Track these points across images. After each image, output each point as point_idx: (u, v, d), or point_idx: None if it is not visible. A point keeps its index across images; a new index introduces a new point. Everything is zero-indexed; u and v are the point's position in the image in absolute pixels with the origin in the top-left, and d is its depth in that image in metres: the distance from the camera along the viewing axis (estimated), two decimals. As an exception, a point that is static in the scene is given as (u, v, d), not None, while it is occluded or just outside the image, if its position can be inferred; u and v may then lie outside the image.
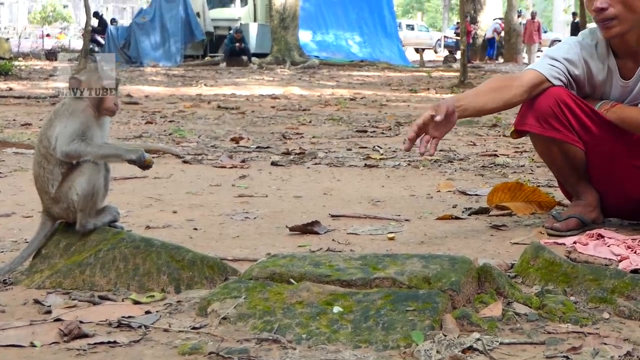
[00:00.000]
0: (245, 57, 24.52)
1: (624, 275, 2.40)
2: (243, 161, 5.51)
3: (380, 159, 5.73)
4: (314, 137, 7.30)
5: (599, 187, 3.46)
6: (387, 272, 2.26)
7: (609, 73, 3.36)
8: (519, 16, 31.62)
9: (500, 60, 31.02)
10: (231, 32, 25.24)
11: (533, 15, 31.39)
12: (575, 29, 24.03)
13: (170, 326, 2.12)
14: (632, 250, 2.99)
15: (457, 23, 32.33)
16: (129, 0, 53.19)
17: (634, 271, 2.67)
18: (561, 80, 3.32)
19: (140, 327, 2.11)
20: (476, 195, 4.22)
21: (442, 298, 2.13)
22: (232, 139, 6.90)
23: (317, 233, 3.29)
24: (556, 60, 3.33)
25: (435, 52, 41.32)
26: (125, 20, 40.89)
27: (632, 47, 3.30)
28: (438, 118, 3.01)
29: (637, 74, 3.32)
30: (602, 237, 3.17)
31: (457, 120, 3.14)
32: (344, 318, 2.06)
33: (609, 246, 3.04)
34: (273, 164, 5.42)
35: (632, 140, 3.32)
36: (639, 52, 3.30)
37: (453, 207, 3.89)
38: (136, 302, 2.32)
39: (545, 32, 42.82)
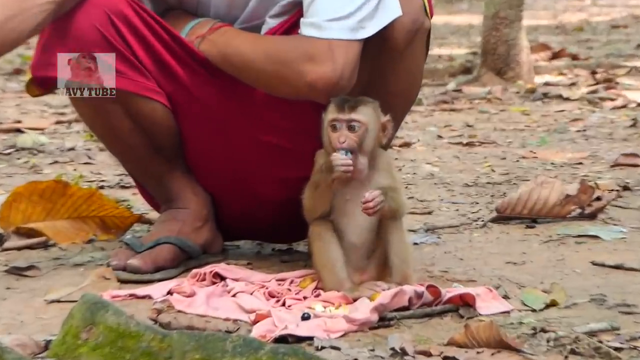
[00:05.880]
0: None
1: (259, 349, 1.74)
2: None
3: None
4: None
5: (208, 183, 2.49)
6: None
7: None
8: None
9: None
10: None
11: None
12: None
13: None
14: (277, 301, 2.32)
15: None
16: None
17: (282, 339, 2.03)
18: None
19: None
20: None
21: None
22: None
23: None
24: None
25: None
26: None
27: None
28: None
29: None
30: (222, 278, 2.45)
31: None
32: None
33: (234, 295, 2.35)
34: None
35: (253, 94, 2.39)
36: None
37: None
38: None
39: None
